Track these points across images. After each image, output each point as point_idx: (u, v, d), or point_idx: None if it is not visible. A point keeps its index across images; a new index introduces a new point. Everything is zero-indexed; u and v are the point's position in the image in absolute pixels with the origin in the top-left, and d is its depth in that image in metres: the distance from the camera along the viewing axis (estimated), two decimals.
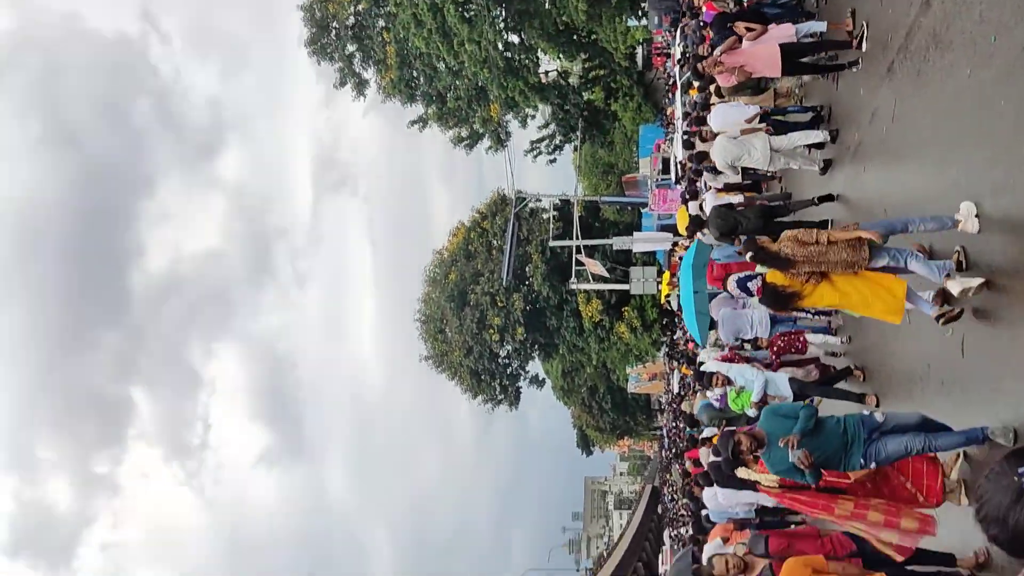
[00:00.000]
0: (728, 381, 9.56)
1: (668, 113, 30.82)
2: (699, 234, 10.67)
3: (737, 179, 11.53)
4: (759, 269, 6.98)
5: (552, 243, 35.26)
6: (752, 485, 6.82)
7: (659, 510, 55.89)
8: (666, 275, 31.88)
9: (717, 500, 10.08)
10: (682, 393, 25.80)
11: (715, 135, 10.82)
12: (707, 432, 13.07)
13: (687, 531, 23.51)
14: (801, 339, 9.55)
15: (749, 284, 6.63)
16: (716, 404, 10.44)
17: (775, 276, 6.51)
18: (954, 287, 5.75)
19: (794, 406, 5.91)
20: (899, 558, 5.60)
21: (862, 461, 5.58)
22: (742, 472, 6.58)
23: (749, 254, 6.45)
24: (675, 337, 31.55)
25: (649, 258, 35.16)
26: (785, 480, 6.12)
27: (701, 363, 12.05)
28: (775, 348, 9.50)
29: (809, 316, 10.03)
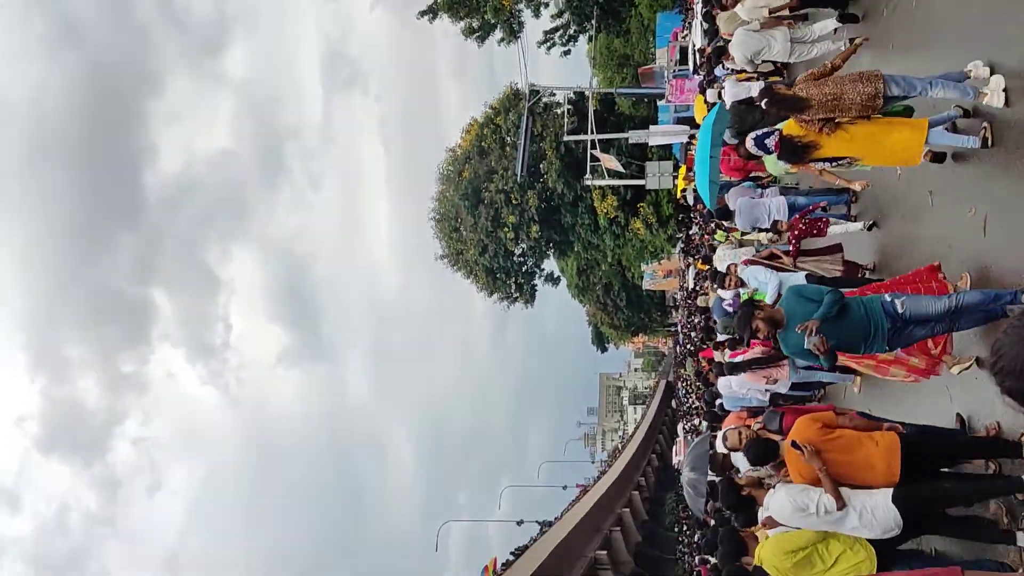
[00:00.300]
0: (742, 283, 9.47)
1: None
2: (719, 100, 10.45)
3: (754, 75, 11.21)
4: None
5: (567, 138, 34.71)
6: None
7: (673, 404, 57.01)
8: (682, 169, 31.38)
9: (731, 388, 10.18)
10: (697, 289, 25.83)
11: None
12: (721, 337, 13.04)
13: (701, 423, 23.93)
14: (821, 223, 9.30)
15: (767, 140, 6.51)
16: (729, 308, 10.37)
17: (791, 128, 6.44)
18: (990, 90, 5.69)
19: (819, 289, 5.70)
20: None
21: (886, 347, 5.55)
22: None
23: (763, 100, 6.37)
24: (691, 233, 31.37)
25: (665, 152, 34.57)
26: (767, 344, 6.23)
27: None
28: (795, 233, 9.30)
29: (825, 204, 9.82)
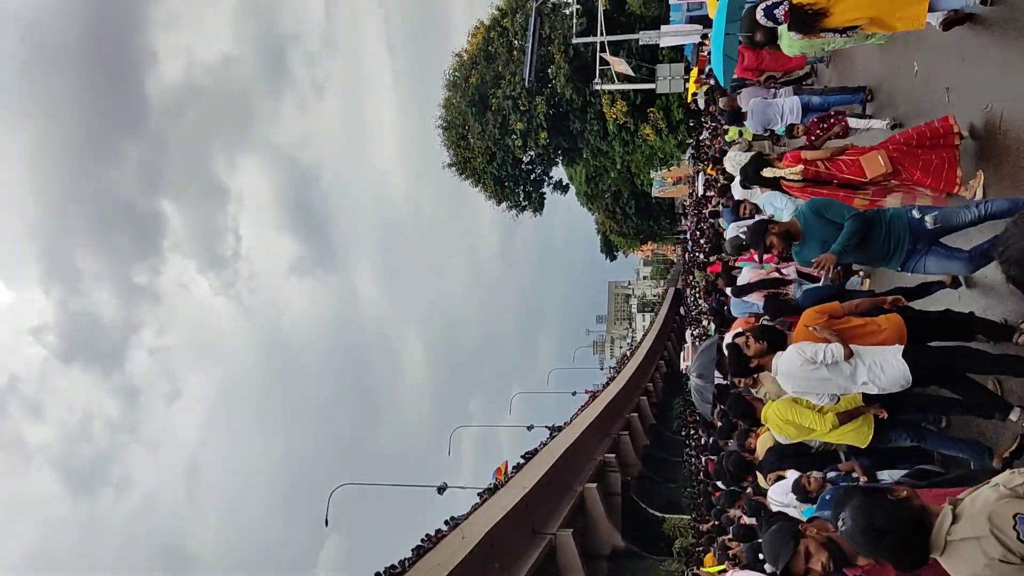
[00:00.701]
0: (757, 209, 9.25)
1: None
2: None
3: None
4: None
5: (575, 40, 33.77)
6: (776, 183, 6.90)
7: (681, 311, 57.28)
8: (694, 72, 30.68)
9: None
10: (707, 195, 25.55)
11: None
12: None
13: (709, 325, 24.05)
14: (842, 122, 8.81)
15: (776, 11, 6.35)
16: (743, 236, 10.18)
17: None
18: None
19: (842, 209, 5.46)
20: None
21: (898, 268, 5.46)
22: (767, 172, 6.70)
23: None
24: (701, 138, 30.84)
25: (677, 55, 33.75)
26: (807, 172, 6.28)
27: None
28: (812, 136, 9.00)
29: (841, 107, 9.52)
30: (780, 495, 7.31)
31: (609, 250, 66.29)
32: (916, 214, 5.23)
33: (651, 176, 49.43)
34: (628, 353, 57.51)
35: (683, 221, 54.50)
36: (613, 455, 34.83)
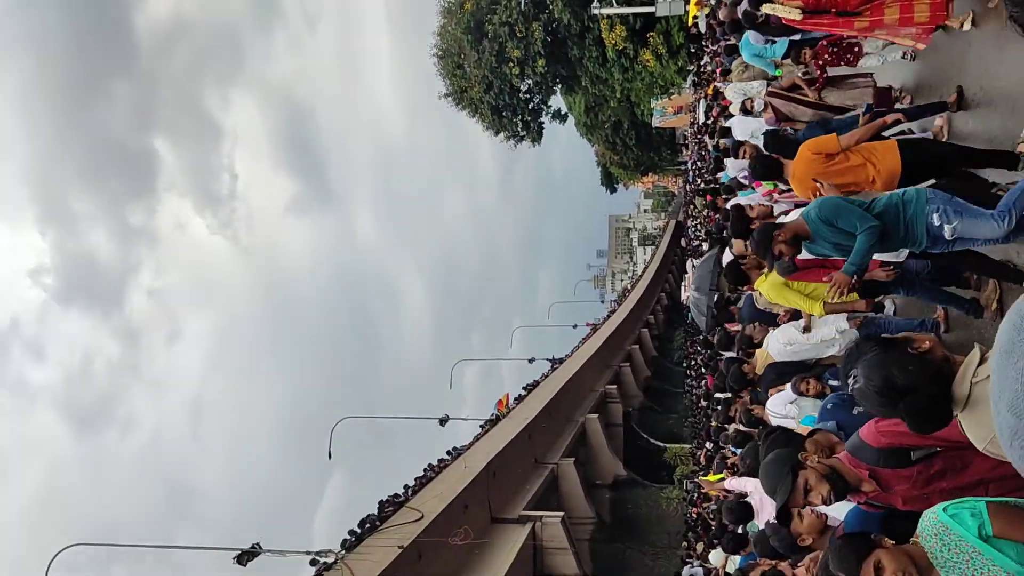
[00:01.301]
0: (756, 150, 8.73)
1: None
2: None
3: None
4: None
5: None
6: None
7: (682, 243, 56.98)
8: None
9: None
10: (708, 122, 24.99)
11: None
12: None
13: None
14: (854, 49, 7.94)
15: None
16: (744, 180, 9.77)
17: None
18: None
19: (853, 218, 4.70)
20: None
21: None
22: (766, 7, 6.55)
23: None
24: (702, 64, 30.11)
25: None
26: (807, 2, 6.24)
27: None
28: (819, 62, 8.26)
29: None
30: (779, 407, 7.16)
31: (609, 182, 65.62)
32: (936, 221, 4.55)
33: (651, 106, 48.54)
34: (629, 286, 57.42)
35: (684, 152, 53.81)
36: (615, 386, 35.02)
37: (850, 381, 2.55)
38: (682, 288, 40.76)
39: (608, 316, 45.12)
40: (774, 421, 7.22)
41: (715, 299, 9.15)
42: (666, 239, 64.37)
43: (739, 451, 8.01)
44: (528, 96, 44.42)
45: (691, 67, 36.50)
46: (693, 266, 35.17)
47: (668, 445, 32.40)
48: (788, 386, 6.86)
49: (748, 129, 9.69)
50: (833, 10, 6.19)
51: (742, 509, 6.95)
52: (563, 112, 49.46)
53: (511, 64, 39.04)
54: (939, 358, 2.46)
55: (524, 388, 30.40)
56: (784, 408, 6.95)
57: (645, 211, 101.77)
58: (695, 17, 29.48)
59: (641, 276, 57.94)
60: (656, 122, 51.99)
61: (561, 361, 34.38)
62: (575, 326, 49.61)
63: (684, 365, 40.41)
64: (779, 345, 7.22)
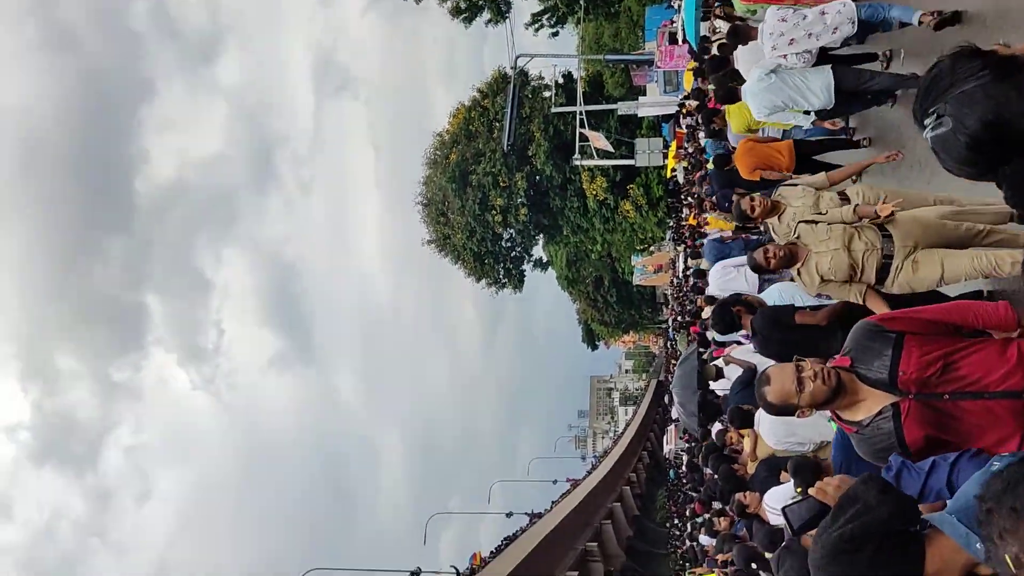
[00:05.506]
0: None
1: None
2: None
3: None
4: None
5: (555, 110, 34.01)
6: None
7: (665, 399, 56.36)
8: (672, 147, 30.84)
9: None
10: (688, 272, 25.08)
11: None
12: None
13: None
14: None
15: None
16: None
17: None
18: None
19: None
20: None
21: None
22: None
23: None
24: (681, 217, 30.73)
25: (654, 133, 34.03)
26: None
27: None
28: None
29: None
30: (777, 503, 6.38)
31: (591, 339, 65.59)
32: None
33: (632, 264, 49.27)
34: (611, 444, 56.29)
35: (664, 311, 54.17)
36: (595, 544, 33.45)
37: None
38: (664, 442, 39.70)
39: (589, 472, 43.81)
40: (772, 519, 6.47)
41: (700, 396, 8.55)
42: (648, 398, 63.71)
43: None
44: (510, 244, 45.01)
45: (670, 220, 37.37)
46: (675, 421, 34.43)
47: None
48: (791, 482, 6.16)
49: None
50: None
51: None
52: (544, 261, 50.07)
53: (494, 212, 39.76)
54: None
55: (501, 541, 28.96)
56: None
57: (627, 371, 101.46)
58: (673, 170, 30.37)
59: (623, 433, 56.85)
60: (637, 280, 52.59)
61: (540, 515, 32.97)
62: (555, 481, 48.01)
63: (667, 525, 38.88)
64: (780, 431, 6.50)
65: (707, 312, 11.57)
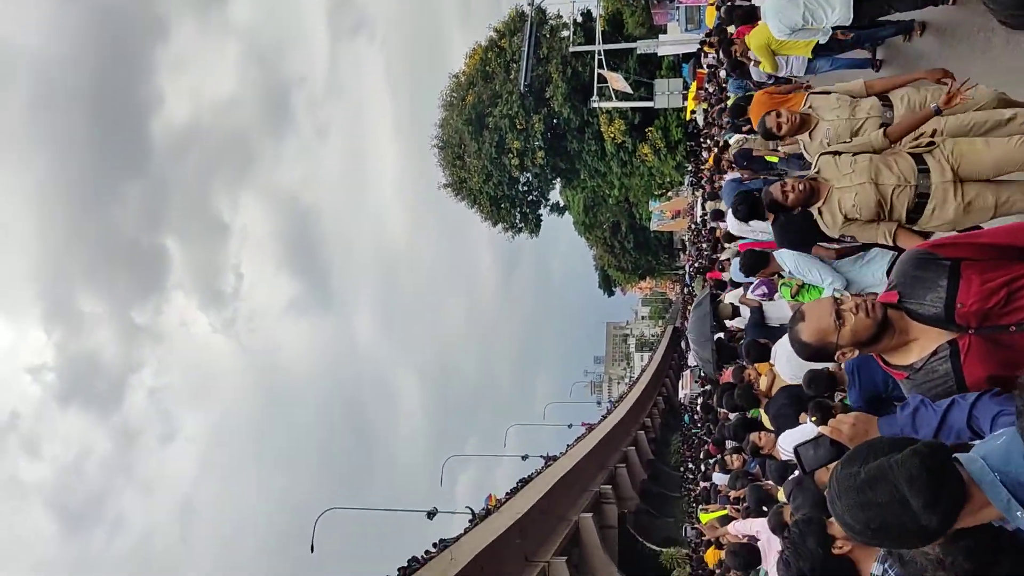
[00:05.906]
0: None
1: None
2: None
3: None
4: None
5: (572, 49, 33.31)
6: None
7: (681, 345, 56.34)
8: (692, 88, 30.18)
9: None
10: (705, 218, 24.73)
11: None
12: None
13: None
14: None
15: None
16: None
17: None
18: None
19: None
20: None
21: None
22: None
23: None
24: (701, 160, 30.18)
25: (673, 74, 33.34)
26: None
27: None
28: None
29: None
30: (791, 445, 6.26)
31: (607, 286, 65.39)
32: None
33: (650, 209, 48.80)
34: (627, 389, 56.54)
35: (681, 256, 53.80)
36: (610, 487, 33.81)
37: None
38: (679, 386, 39.83)
39: (605, 416, 44.10)
40: (784, 458, 6.36)
41: (716, 338, 8.45)
42: (664, 344, 63.72)
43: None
44: (527, 188, 44.61)
45: (688, 164, 36.79)
46: (691, 367, 34.43)
47: (664, 549, 31.01)
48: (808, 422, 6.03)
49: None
50: None
51: (749, 553, 6.14)
52: (561, 206, 49.67)
53: (511, 155, 39.31)
54: None
55: (517, 482, 29.30)
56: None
57: (643, 318, 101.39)
58: (693, 112, 29.76)
59: (639, 378, 57.02)
60: (654, 226, 52.13)
61: (555, 458, 33.31)
62: (570, 425, 48.48)
63: (681, 469, 39.16)
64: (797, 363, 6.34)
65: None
